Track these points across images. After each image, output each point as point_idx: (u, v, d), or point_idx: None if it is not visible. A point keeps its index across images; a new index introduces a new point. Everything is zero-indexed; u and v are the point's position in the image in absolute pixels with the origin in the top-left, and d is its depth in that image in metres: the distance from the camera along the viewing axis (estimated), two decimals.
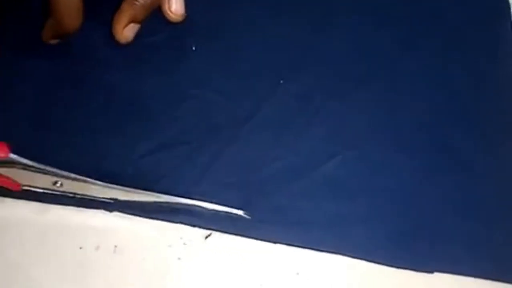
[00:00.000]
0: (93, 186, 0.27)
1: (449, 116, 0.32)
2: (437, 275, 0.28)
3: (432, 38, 0.35)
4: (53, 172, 0.26)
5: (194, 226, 0.28)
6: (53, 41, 0.31)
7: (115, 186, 0.27)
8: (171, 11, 0.33)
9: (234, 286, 0.27)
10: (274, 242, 0.28)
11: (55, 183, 0.27)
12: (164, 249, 0.27)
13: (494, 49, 0.35)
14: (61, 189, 0.27)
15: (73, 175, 0.27)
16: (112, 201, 0.28)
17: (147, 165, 0.29)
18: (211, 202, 0.28)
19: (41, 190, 0.28)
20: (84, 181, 0.27)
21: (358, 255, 0.28)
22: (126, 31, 0.32)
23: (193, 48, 0.34)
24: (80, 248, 0.27)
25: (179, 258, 0.27)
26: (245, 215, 0.28)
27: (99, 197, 0.28)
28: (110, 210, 0.28)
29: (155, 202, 0.28)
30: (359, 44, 0.34)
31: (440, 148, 0.31)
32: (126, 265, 0.27)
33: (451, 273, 0.28)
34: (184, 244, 0.27)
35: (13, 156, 0.26)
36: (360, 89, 0.33)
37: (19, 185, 0.27)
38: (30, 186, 0.28)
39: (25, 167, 0.26)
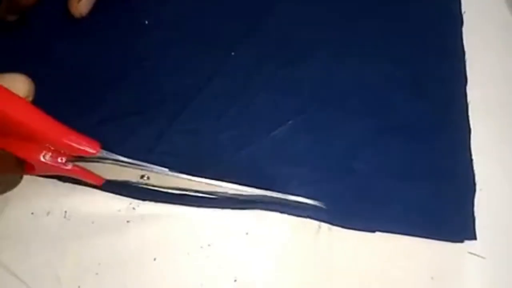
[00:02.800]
0: (178, 180, 0.27)
1: (395, 82, 0.33)
2: (378, 234, 0.29)
3: (381, 12, 0.36)
4: (141, 166, 0.26)
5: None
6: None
7: (201, 179, 0.27)
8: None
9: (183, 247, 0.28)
10: (223, 208, 0.29)
11: (142, 176, 0.27)
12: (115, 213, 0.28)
13: (440, 22, 0.36)
14: (148, 182, 0.27)
15: (160, 169, 0.26)
16: (198, 194, 0.28)
17: (97, 136, 0.29)
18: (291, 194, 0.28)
19: (127, 184, 0.28)
20: (171, 175, 0.26)
21: (303, 214, 0.29)
22: (80, 6, 0.32)
23: (146, 22, 0.34)
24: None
25: (127, 221, 0.28)
26: (320, 205, 0.28)
27: (187, 190, 0.28)
28: (197, 205, 0.29)
29: (238, 195, 0.28)
30: (308, 13, 0.35)
31: (384, 112, 0.32)
32: None
33: (392, 232, 0.29)
34: (133, 208, 0.28)
35: (104, 152, 0.25)
36: (308, 56, 0.34)
37: (102, 179, 0.27)
38: (115, 180, 0.27)
39: (114, 162, 0.26)
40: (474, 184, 0.31)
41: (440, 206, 0.30)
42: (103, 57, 0.33)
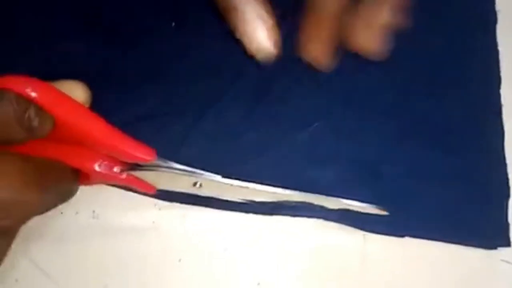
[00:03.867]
0: (232, 187, 0.26)
1: (424, 83, 0.32)
2: (407, 240, 0.28)
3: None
4: (195, 173, 0.26)
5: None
6: None
7: (256, 186, 0.27)
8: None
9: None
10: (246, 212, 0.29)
11: (195, 184, 0.27)
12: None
13: (473, 20, 0.35)
14: (201, 190, 0.27)
15: (214, 176, 0.26)
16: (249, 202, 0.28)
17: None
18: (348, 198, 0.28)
19: (180, 191, 0.28)
20: (225, 182, 0.26)
21: (330, 218, 0.29)
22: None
23: (173, 24, 0.34)
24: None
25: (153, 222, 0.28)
26: (381, 211, 0.28)
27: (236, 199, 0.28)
28: (247, 211, 0.29)
29: (293, 202, 0.28)
30: None
31: (412, 114, 0.31)
32: None
33: (421, 238, 0.29)
34: (159, 209, 0.29)
35: (159, 160, 0.25)
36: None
37: (154, 188, 0.28)
38: (168, 187, 0.28)
39: (168, 169, 0.26)
40: (508, 189, 0.30)
41: (472, 212, 0.29)
42: (130, 59, 0.33)
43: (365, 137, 0.31)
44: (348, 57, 0.33)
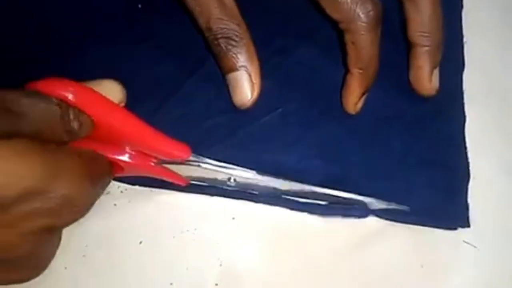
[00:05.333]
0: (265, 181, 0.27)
1: (388, 70, 0.32)
2: (367, 222, 0.29)
3: None
4: (229, 168, 0.27)
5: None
6: None
7: (292, 183, 0.27)
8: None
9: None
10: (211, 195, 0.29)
11: (229, 179, 0.27)
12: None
13: None
14: (234, 185, 0.28)
15: (248, 171, 0.27)
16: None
17: None
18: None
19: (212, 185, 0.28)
20: (259, 178, 0.27)
21: (288, 205, 0.29)
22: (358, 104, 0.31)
23: (139, 6, 0.34)
24: None
25: (115, 204, 0.28)
26: (402, 208, 0.29)
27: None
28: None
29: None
30: (301, 1, 0.34)
31: (377, 101, 0.31)
32: None
33: (383, 218, 0.29)
34: (121, 192, 0.29)
35: (193, 156, 0.26)
36: (303, 44, 0.33)
37: (186, 180, 0.28)
38: (200, 180, 0.28)
39: (202, 165, 0.26)
40: (469, 173, 0.31)
41: (434, 194, 0.30)
42: (92, 42, 0.33)
43: (329, 123, 0.31)
44: (311, 46, 0.33)
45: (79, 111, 0.22)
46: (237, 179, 0.27)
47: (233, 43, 0.29)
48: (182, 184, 0.28)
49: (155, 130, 0.25)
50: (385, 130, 0.31)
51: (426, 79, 0.31)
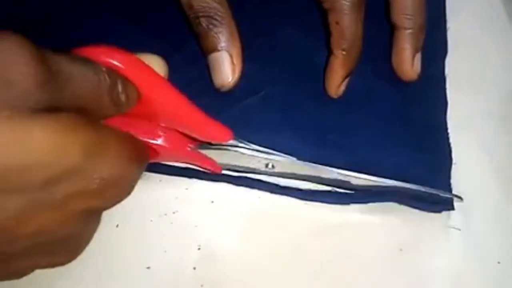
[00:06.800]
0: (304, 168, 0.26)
1: (369, 54, 0.31)
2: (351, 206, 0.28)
3: None
4: (269, 153, 0.26)
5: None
6: None
7: (331, 168, 0.27)
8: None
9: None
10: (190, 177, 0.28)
11: (267, 165, 0.26)
12: None
13: None
14: (272, 172, 0.27)
15: (288, 157, 0.26)
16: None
17: None
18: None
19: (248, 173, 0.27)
20: (299, 163, 0.26)
21: (264, 189, 0.28)
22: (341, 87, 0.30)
23: None
24: None
25: None
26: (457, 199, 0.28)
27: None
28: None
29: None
30: None
31: (358, 84, 0.31)
32: None
33: (367, 202, 0.29)
34: None
35: (234, 140, 0.25)
36: (287, 25, 0.33)
37: (220, 167, 0.27)
38: (234, 168, 0.27)
39: (241, 149, 0.25)
40: (451, 157, 0.30)
41: (416, 178, 0.29)
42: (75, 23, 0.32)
43: (311, 106, 0.31)
44: (295, 27, 0.32)
45: (127, 82, 0.20)
46: (275, 165, 0.26)
47: (215, 22, 0.29)
48: (217, 171, 0.27)
49: (199, 109, 0.23)
50: (368, 113, 0.31)
51: (408, 62, 0.30)
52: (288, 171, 0.27)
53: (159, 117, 0.23)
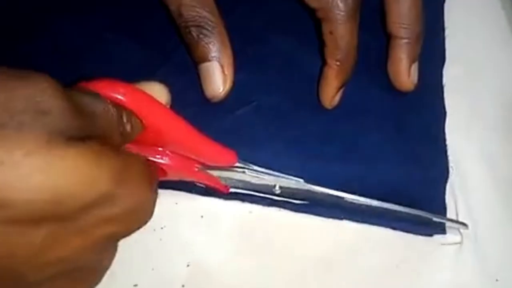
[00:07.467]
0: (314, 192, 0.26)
1: (367, 62, 0.30)
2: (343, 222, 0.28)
3: None
4: (274, 175, 0.26)
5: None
6: None
7: (334, 192, 0.26)
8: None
9: None
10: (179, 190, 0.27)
11: (274, 186, 0.26)
12: None
13: None
14: (279, 192, 0.27)
15: (294, 179, 0.26)
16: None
17: None
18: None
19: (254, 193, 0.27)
20: (305, 186, 0.26)
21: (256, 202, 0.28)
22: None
23: None
24: None
25: None
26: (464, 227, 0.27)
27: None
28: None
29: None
30: None
31: (354, 93, 0.30)
32: None
33: (358, 222, 0.28)
34: None
35: (240, 163, 0.25)
36: (279, 34, 0.32)
37: (228, 187, 0.27)
38: (242, 187, 0.27)
39: (247, 171, 0.25)
40: (448, 172, 0.30)
41: (410, 192, 0.29)
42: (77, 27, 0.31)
43: (304, 118, 0.30)
44: (288, 36, 0.32)
45: (131, 113, 0.21)
46: (282, 185, 0.26)
47: (205, 32, 0.28)
48: (224, 191, 0.27)
49: (202, 134, 0.24)
50: (362, 124, 0.30)
51: (405, 73, 0.30)
52: (295, 191, 0.27)
53: (165, 143, 0.23)
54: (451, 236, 0.28)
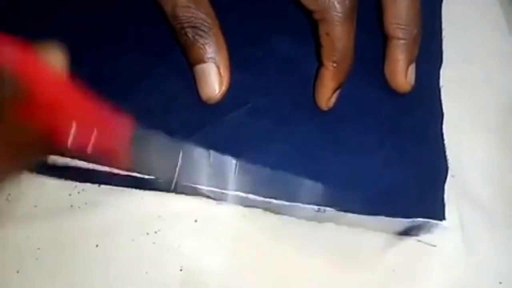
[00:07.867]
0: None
1: (363, 63, 0.30)
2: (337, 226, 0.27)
3: None
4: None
5: None
6: None
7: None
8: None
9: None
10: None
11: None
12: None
13: None
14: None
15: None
16: None
17: None
18: None
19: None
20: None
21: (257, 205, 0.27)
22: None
23: None
24: None
25: (71, 206, 0.26)
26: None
27: None
28: None
29: None
30: None
31: (350, 94, 0.30)
32: None
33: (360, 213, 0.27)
34: (78, 193, 0.27)
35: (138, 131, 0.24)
36: (275, 35, 0.31)
37: (129, 162, 0.25)
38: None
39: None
40: (446, 171, 0.29)
41: (408, 192, 0.28)
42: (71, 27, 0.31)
43: (300, 119, 0.29)
44: (284, 37, 0.31)
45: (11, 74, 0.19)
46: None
47: (201, 33, 0.28)
48: (124, 167, 0.26)
49: (98, 103, 0.22)
50: (359, 126, 0.30)
51: (402, 74, 0.29)
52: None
53: (58, 110, 0.22)
54: (449, 238, 0.28)
